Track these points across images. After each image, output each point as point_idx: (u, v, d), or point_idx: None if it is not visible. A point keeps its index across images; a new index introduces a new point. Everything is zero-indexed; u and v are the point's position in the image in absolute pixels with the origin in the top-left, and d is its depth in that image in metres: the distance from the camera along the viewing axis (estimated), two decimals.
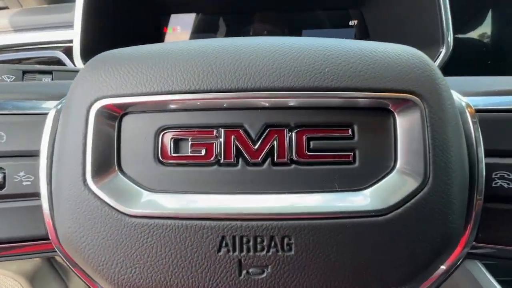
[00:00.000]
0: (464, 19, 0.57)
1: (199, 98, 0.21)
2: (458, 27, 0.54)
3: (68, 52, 0.62)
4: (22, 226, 0.26)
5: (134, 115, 0.22)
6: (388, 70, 0.21)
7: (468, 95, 0.28)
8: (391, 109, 0.21)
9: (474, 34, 0.63)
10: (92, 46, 0.58)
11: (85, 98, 0.22)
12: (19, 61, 0.65)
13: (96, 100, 0.21)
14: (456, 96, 0.27)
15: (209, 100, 0.21)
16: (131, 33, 0.69)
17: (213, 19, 0.74)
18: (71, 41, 0.60)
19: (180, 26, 0.75)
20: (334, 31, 0.74)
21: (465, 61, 0.57)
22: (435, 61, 0.55)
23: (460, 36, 0.58)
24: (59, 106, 0.26)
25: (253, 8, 0.72)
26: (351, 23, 0.73)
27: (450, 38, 0.54)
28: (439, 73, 0.23)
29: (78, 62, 0.56)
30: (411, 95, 0.21)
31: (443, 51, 0.54)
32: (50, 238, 0.25)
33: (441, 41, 0.54)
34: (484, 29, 0.61)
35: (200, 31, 0.74)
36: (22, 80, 0.45)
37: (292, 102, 0.21)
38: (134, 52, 0.24)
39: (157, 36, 0.75)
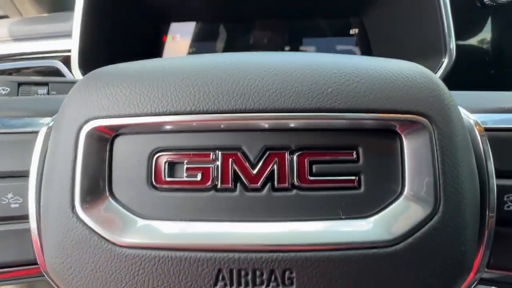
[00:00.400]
0: (464, 26, 0.56)
1: (195, 120, 0.20)
2: (458, 34, 0.53)
3: (67, 61, 0.61)
4: (10, 250, 0.25)
5: (127, 137, 0.21)
6: (394, 90, 0.20)
7: (476, 112, 0.27)
8: (398, 131, 0.20)
9: (474, 41, 0.62)
10: (91, 56, 0.57)
11: (76, 118, 0.21)
12: (18, 70, 0.64)
13: (86, 121, 0.20)
14: (464, 113, 0.25)
15: (206, 121, 0.20)
16: (130, 41, 0.68)
17: (213, 27, 0.74)
18: (69, 51, 0.60)
19: (180, 34, 0.74)
20: (335, 39, 0.73)
21: (466, 69, 0.56)
22: (437, 71, 0.54)
23: (460, 43, 0.57)
24: (51, 124, 0.25)
25: (253, 16, 0.72)
26: (352, 31, 0.72)
27: (453, 47, 0.53)
28: (447, 92, 0.22)
29: (76, 72, 0.56)
30: (419, 117, 0.20)
31: (445, 61, 0.53)
32: (38, 262, 0.24)
33: (444, 51, 0.53)
34: (484, 35, 0.60)
35: (200, 39, 0.74)
36: (18, 92, 0.44)
37: (293, 124, 0.20)
38: (129, 69, 0.23)
39: (157, 44, 0.74)
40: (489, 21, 0.55)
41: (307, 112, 0.19)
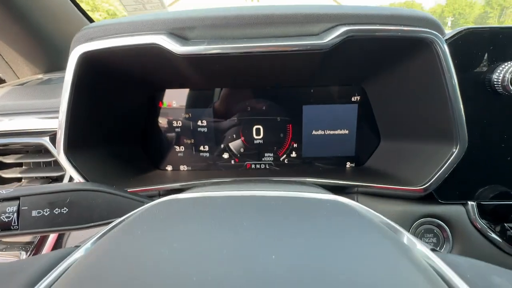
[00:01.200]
0: (476, 110, 0.52)
1: None
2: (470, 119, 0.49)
3: (55, 139, 0.59)
4: None
5: None
6: None
7: None
8: None
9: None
10: (78, 139, 0.55)
11: None
12: (5, 145, 0.62)
13: None
14: None
15: None
16: (124, 112, 0.66)
17: (210, 93, 0.71)
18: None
19: (176, 101, 0.72)
20: (337, 107, 0.70)
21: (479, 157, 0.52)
22: (447, 160, 0.50)
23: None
24: None
25: (251, 85, 0.69)
26: (353, 98, 0.69)
27: (464, 136, 0.49)
28: None
29: (62, 157, 0.53)
30: None
31: (456, 151, 0.49)
32: None
33: (455, 139, 0.49)
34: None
35: (195, 105, 0.72)
36: None
37: None
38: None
39: (152, 111, 0.72)
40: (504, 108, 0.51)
41: None
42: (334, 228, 0.22)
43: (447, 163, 0.50)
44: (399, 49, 0.49)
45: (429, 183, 0.52)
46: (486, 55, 0.49)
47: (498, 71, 0.47)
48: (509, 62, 0.47)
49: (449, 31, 0.51)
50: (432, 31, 0.46)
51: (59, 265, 0.20)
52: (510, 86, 0.46)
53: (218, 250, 0.19)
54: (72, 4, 0.82)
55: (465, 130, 0.48)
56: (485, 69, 0.49)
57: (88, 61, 0.49)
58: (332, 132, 0.72)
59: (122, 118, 0.66)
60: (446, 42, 0.47)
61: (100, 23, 0.49)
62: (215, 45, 0.46)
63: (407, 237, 0.25)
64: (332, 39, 0.44)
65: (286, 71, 0.56)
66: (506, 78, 0.46)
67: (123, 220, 0.27)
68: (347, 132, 0.72)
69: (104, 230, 0.25)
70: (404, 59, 0.52)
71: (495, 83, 0.48)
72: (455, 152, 0.49)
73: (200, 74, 0.59)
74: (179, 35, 0.47)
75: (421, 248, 0.23)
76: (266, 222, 0.23)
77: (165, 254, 0.20)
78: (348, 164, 0.74)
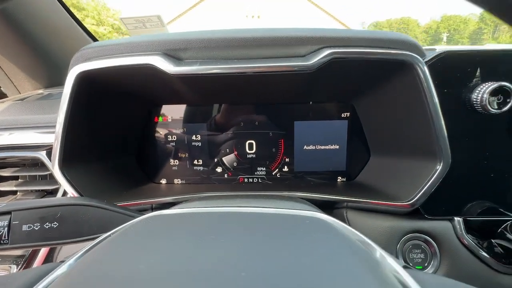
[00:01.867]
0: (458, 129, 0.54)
1: None
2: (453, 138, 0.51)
3: (51, 154, 0.60)
4: None
5: None
6: None
7: None
8: None
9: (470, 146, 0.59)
10: (73, 153, 0.56)
11: None
12: (3, 159, 0.64)
13: None
14: None
15: None
16: (120, 127, 0.68)
17: (203, 109, 0.74)
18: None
19: (171, 116, 0.74)
20: (327, 123, 0.72)
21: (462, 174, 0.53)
22: (431, 177, 0.51)
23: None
24: None
25: (244, 101, 0.71)
26: (343, 115, 0.72)
27: (447, 153, 0.50)
28: None
29: (56, 172, 0.54)
30: None
31: (439, 168, 0.51)
32: None
33: (438, 157, 0.51)
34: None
35: (190, 121, 0.74)
36: None
37: None
38: None
39: (149, 126, 0.74)
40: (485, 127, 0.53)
41: None
42: (306, 245, 0.23)
43: (432, 180, 0.51)
44: (382, 70, 0.52)
45: (415, 198, 0.53)
46: (465, 76, 0.52)
47: (477, 91, 0.49)
48: (486, 83, 0.49)
49: (430, 52, 0.53)
50: (412, 54, 0.48)
51: (41, 280, 0.21)
52: (489, 106, 0.48)
53: (186, 265, 0.21)
54: (75, 22, 0.85)
55: (448, 147, 0.50)
56: (464, 89, 0.51)
57: (85, 80, 0.51)
58: (323, 147, 0.73)
59: (118, 133, 0.68)
60: (426, 64, 0.49)
61: (97, 44, 0.52)
62: (207, 66, 0.48)
63: (380, 253, 0.26)
64: (317, 60, 0.47)
65: (275, 90, 0.59)
66: (484, 98, 0.48)
67: (108, 236, 0.28)
68: (338, 147, 0.73)
69: (88, 246, 0.26)
70: (387, 80, 0.54)
71: (474, 102, 0.50)
72: (439, 169, 0.51)
73: (194, 92, 0.61)
74: (173, 55, 0.50)
75: (392, 264, 0.24)
76: (237, 238, 0.24)
77: (137, 271, 0.21)
78: (340, 179, 0.75)
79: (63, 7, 0.82)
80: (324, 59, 0.46)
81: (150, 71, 0.48)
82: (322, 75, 0.51)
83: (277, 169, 0.75)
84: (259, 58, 0.49)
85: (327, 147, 0.73)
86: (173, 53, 0.50)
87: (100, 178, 0.64)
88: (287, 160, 0.75)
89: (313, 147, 0.73)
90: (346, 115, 0.71)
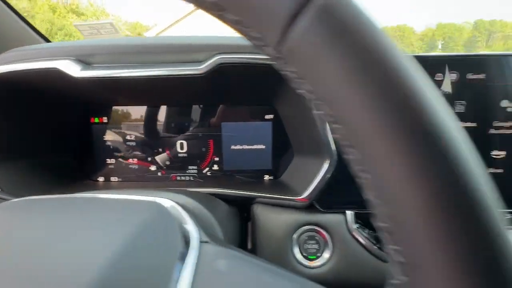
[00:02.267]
0: None
1: None
2: None
3: None
4: None
5: None
6: None
7: None
8: None
9: None
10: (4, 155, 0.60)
11: None
12: None
13: None
14: None
15: None
16: (52, 127, 0.72)
17: (137, 109, 0.78)
18: None
19: (106, 116, 0.79)
20: (252, 124, 0.77)
21: None
22: (319, 172, 0.56)
23: None
24: None
25: (170, 103, 0.76)
26: (267, 116, 0.76)
27: (333, 151, 0.55)
28: None
29: None
30: None
31: (326, 164, 0.55)
32: None
33: (326, 155, 0.56)
34: None
35: (126, 121, 0.78)
36: None
37: None
38: None
39: (85, 126, 0.78)
40: None
41: None
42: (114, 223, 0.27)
43: (320, 176, 0.56)
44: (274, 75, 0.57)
45: (308, 193, 0.57)
46: None
47: None
48: None
49: None
50: None
51: None
52: None
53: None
54: (23, 23, 0.88)
55: (332, 144, 0.54)
56: None
57: (2, 82, 0.56)
58: (249, 147, 0.78)
59: (51, 132, 0.72)
60: None
61: (15, 49, 0.57)
62: (110, 70, 0.53)
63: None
64: (206, 66, 0.51)
65: (187, 92, 0.63)
66: None
67: None
68: (263, 147, 0.78)
69: None
70: (283, 85, 0.59)
71: None
72: (327, 166, 0.55)
73: (116, 94, 0.66)
74: (83, 60, 0.55)
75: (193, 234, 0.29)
76: (52, 222, 0.28)
77: None
78: (267, 177, 0.80)
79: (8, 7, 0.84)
80: (212, 65, 0.51)
81: (56, 74, 0.53)
82: (219, 79, 0.55)
83: (207, 168, 0.80)
84: (158, 63, 0.53)
85: (253, 147, 0.78)
86: (83, 58, 0.55)
87: (30, 175, 0.68)
88: (216, 159, 0.79)
89: (240, 147, 0.78)
90: (270, 117, 0.76)
